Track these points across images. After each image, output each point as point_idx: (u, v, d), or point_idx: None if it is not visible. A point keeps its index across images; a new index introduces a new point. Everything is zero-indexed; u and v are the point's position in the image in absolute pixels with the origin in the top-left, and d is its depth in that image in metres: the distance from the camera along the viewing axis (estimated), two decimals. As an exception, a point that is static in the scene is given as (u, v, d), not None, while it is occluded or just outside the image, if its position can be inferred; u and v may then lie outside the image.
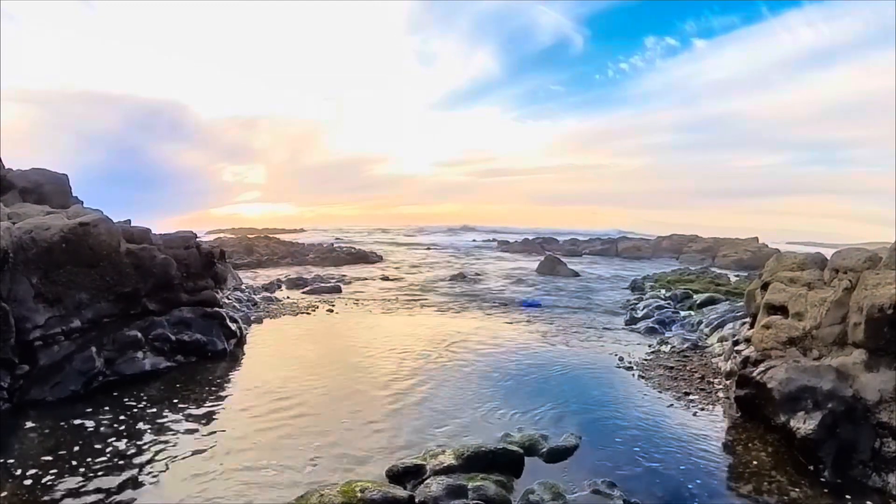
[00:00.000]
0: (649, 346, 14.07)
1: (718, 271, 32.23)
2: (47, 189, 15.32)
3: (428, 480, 6.09)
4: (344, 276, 28.87)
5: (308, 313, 17.91)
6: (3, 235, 9.34)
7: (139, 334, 10.69)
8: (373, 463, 6.84)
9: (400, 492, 5.86)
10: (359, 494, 5.58)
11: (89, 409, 8.45)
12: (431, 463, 6.47)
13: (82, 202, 16.02)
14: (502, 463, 6.60)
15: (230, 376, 10.88)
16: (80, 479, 6.30)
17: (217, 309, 12.97)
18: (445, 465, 6.37)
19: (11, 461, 6.66)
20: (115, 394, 9.23)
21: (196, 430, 7.90)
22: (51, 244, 9.99)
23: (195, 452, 7.17)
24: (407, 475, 6.29)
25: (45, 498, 5.87)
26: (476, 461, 6.46)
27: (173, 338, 11.29)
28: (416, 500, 5.79)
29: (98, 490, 6.08)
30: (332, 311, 18.44)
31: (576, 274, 31.64)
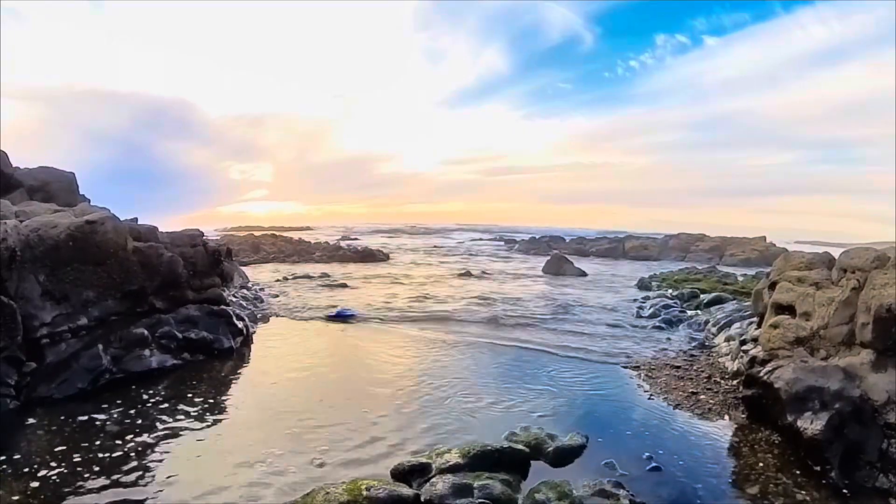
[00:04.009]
0: (656, 345, 14.01)
1: (726, 270, 32.01)
2: (54, 187, 15.45)
3: (434, 479, 6.09)
4: (350, 274, 28.93)
5: (314, 311, 17.96)
6: (11, 233, 9.41)
7: (146, 332, 10.74)
8: (378, 461, 6.86)
9: (405, 490, 5.87)
10: (364, 492, 5.59)
11: (96, 407, 8.49)
12: (437, 461, 6.46)
13: (89, 200, 16.14)
14: (508, 462, 6.58)
15: (237, 374, 10.94)
16: (87, 475, 6.34)
17: (224, 307, 13.02)
18: (451, 463, 6.37)
19: (18, 458, 6.71)
20: (121, 391, 9.29)
21: (202, 428, 7.95)
22: (58, 242, 10.06)
23: (202, 450, 7.23)
24: (413, 474, 6.29)
25: (52, 495, 5.91)
26: (482, 460, 6.45)
27: (180, 336, 11.35)
28: (422, 499, 5.79)
29: (105, 487, 6.11)
30: (337, 309, 18.46)
31: (582, 273, 31.56)
